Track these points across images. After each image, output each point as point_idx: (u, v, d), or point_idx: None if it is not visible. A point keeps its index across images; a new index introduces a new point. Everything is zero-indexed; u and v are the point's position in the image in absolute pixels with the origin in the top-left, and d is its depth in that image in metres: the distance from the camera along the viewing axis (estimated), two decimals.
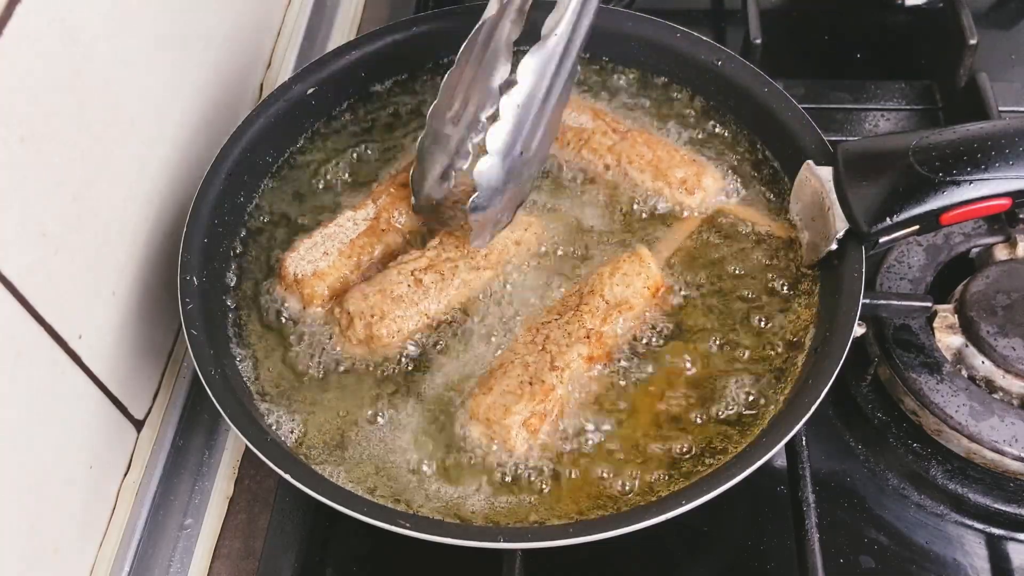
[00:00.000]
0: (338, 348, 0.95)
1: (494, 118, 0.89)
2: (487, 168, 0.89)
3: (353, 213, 1.02)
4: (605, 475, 0.87)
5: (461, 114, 0.96)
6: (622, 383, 0.92)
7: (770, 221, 1.03)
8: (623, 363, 0.93)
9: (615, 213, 1.05)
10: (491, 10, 0.93)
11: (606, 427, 0.90)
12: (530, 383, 0.89)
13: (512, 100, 0.88)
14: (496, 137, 0.88)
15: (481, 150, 0.90)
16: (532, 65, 0.88)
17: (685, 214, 1.04)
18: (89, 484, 0.91)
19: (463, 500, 0.86)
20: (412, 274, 0.96)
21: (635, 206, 1.05)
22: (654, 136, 1.09)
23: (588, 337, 0.92)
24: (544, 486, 0.87)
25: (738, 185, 1.06)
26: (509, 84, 0.89)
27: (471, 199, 0.90)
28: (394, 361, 0.95)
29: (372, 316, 0.94)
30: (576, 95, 1.14)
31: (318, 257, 0.98)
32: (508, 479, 0.87)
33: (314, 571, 0.94)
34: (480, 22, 0.94)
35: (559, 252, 1.02)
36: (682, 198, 1.04)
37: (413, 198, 1.01)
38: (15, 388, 0.77)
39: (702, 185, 1.04)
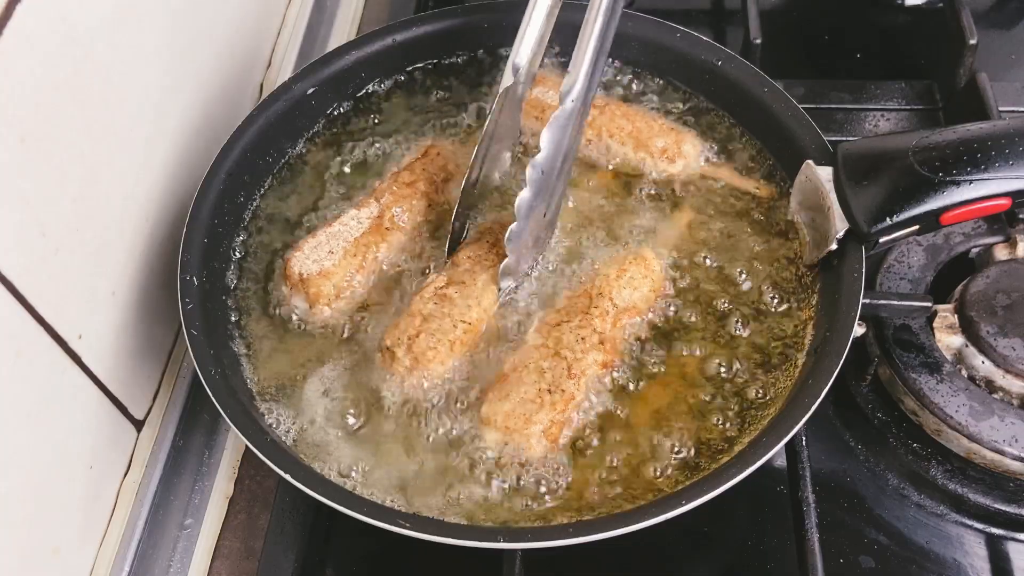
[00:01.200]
0: (395, 387, 0.93)
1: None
2: (517, 231, 0.92)
3: (356, 212, 1.02)
4: (612, 475, 0.87)
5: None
6: (625, 385, 0.92)
7: (751, 181, 1.05)
8: (627, 365, 0.93)
9: (603, 191, 1.06)
10: (507, 81, 0.96)
11: (611, 429, 0.90)
12: (549, 391, 0.88)
13: (536, 169, 0.90)
14: (523, 204, 0.90)
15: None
16: (553, 132, 0.89)
17: (673, 190, 1.05)
18: (89, 484, 0.91)
19: (473, 503, 0.86)
20: (436, 292, 0.95)
21: (622, 181, 1.07)
22: (631, 108, 1.10)
23: (602, 343, 0.91)
24: (557, 488, 0.87)
25: (718, 149, 1.08)
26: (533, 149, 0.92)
27: (503, 263, 0.94)
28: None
29: (409, 339, 0.92)
30: (554, 75, 1.14)
31: (323, 256, 0.98)
32: (522, 483, 0.87)
33: (314, 571, 0.94)
34: (498, 94, 0.96)
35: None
36: (665, 167, 1.06)
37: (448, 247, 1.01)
38: (15, 388, 0.77)
39: (682, 152, 1.06)
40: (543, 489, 0.87)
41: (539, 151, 0.89)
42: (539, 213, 0.94)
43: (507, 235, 0.92)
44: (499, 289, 0.96)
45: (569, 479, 0.87)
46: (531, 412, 0.87)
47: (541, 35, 0.97)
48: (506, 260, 0.94)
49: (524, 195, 0.90)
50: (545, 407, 0.87)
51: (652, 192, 1.06)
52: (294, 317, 0.98)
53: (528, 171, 0.89)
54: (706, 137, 1.09)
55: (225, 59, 1.15)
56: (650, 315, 0.96)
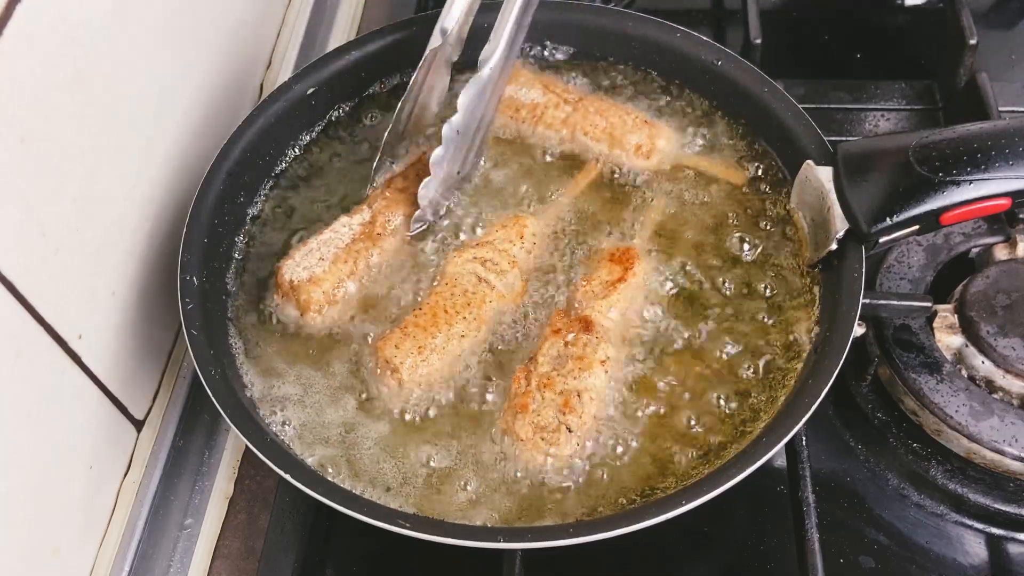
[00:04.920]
0: (393, 392, 0.93)
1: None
2: (429, 188, 1.00)
3: (348, 218, 1.02)
4: (618, 474, 0.87)
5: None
6: (630, 385, 0.92)
7: (725, 168, 1.06)
8: (629, 366, 0.93)
9: (586, 191, 1.06)
10: (435, 42, 1.01)
11: (610, 428, 0.90)
12: (562, 394, 0.89)
13: (452, 128, 0.97)
14: (438, 161, 0.98)
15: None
16: (469, 96, 0.97)
17: (641, 178, 1.07)
18: (89, 484, 0.91)
19: (480, 504, 0.86)
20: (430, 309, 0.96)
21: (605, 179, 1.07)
22: (605, 102, 1.10)
23: (604, 362, 0.91)
24: (566, 488, 0.87)
25: (693, 141, 1.08)
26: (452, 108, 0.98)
27: (415, 213, 1.02)
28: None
29: (396, 347, 0.92)
30: (529, 69, 1.15)
31: (313, 263, 0.98)
32: (541, 485, 0.87)
33: (314, 571, 0.94)
34: (425, 54, 1.01)
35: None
36: (641, 164, 1.07)
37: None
38: (15, 388, 0.78)
39: (657, 148, 1.07)
40: (552, 490, 0.87)
41: (456, 112, 0.96)
42: (452, 170, 1.01)
43: (420, 185, 0.99)
44: (411, 228, 1.03)
45: (596, 478, 0.87)
46: (548, 418, 0.87)
47: (470, 5, 1.02)
48: (417, 212, 1.02)
49: (438, 151, 0.97)
50: (562, 412, 0.88)
51: (634, 188, 1.06)
52: (289, 322, 0.98)
53: (444, 128, 0.96)
54: (706, 137, 1.09)
55: (225, 59, 1.15)
56: (650, 321, 0.96)
